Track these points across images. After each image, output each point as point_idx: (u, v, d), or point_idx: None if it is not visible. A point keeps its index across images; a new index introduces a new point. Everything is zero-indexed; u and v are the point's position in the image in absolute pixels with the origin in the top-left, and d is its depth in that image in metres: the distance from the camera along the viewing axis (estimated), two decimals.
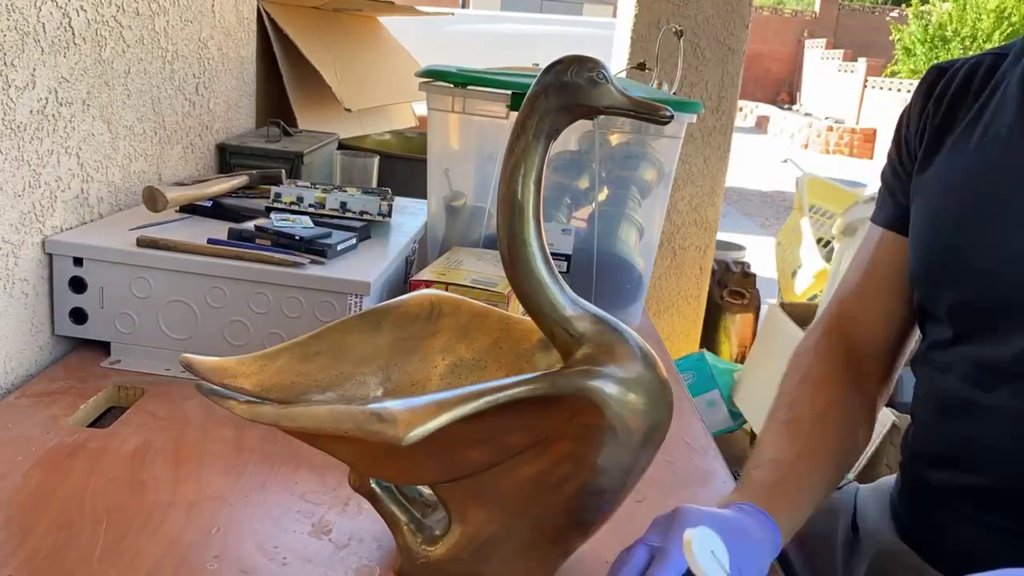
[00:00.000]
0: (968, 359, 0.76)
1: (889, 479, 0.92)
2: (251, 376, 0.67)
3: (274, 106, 1.80)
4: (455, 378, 0.71)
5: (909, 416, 0.87)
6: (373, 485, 0.68)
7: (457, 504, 0.65)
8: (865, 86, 14.89)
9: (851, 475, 1.97)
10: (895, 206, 0.88)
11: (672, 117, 0.60)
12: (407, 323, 0.72)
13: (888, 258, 0.87)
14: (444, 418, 0.55)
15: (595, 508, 0.65)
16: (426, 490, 0.71)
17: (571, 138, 1.26)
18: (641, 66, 1.51)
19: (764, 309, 2.89)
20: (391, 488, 0.69)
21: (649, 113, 0.60)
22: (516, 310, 1.07)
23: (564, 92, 0.60)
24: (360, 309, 0.98)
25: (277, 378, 0.68)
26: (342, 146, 1.75)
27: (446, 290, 1.04)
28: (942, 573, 0.79)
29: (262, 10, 1.75)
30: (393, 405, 0.56)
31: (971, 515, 0.76)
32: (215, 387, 0.65)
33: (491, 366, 0.71)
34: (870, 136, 13.25)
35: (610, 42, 2.62)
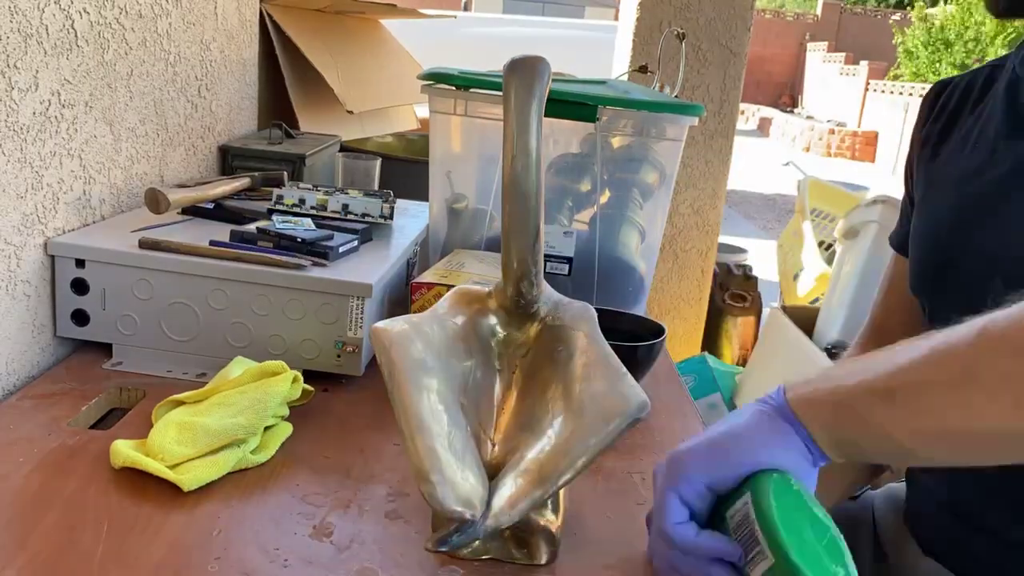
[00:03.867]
0: None
1: (898, 487, 0.92)
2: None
3: (276, 108, 1.80)
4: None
5: None
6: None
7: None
8: (867, 89, 14.88)
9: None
10: (901, 228, 0.92)
11: None
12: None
13: (899, 278, 0.92)
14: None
15: None
16: None
17: (573, 141, 1.26)
18: (643, 69, 1.52)
19: (766, 312, 2.89)
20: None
21: None
22: None
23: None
24: (362, 312, 0.98)
25: None
26: (344, 148, 1.75)
27: (447, 292, 1.03)
28: None
29: (264, 12, 1.75)
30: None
31: (981, 526, 0.76)
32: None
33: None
34: (872, 139, 13.26)
35: (612, 45, 2.62)
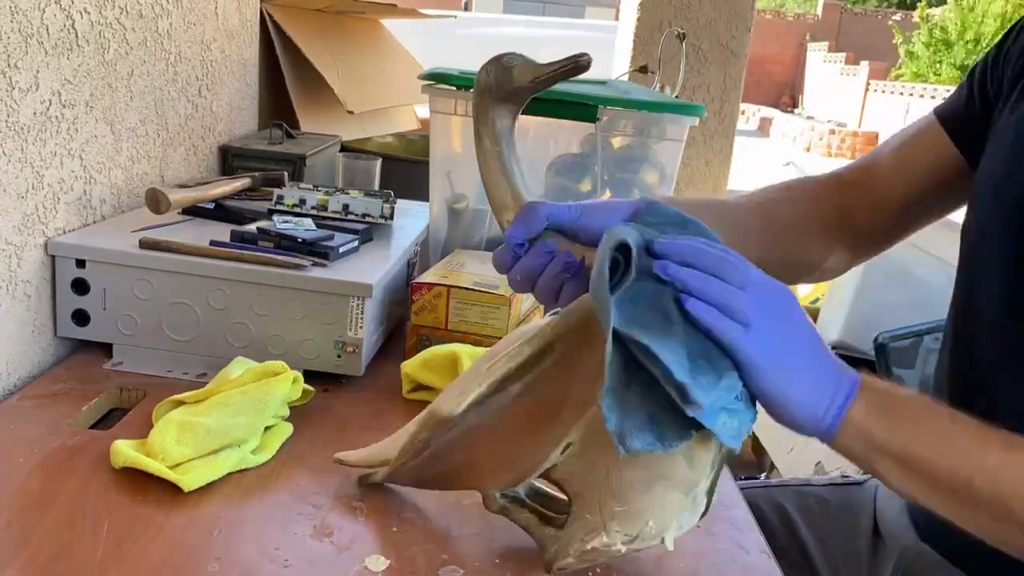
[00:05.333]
0: (1001, 340, 0.74)
1: None
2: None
3: (277, 108, 1.80)
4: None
5: None
6: (501, 501, 0.70)
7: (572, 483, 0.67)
8: (867, 90, 14.89)
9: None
10: (959, 107, 0.85)
11: (589, 61, 0.68)
12: None
13: (926, 145, 0.87)
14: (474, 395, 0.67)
15: None
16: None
17: (573, 141, 1.26)
18: (643, 69, 1.52)
19: None
20: (518, 498, 0.71)
21: (568, 65, 0.68)
22: (517, 314, 1.07)
23: (492, 90, 0.69)
24: (362, 312, 0.98)
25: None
26: (344, 148, 1.75)
27: (447, 292, 1.04)
28: (967, 574, 0.78)
29: (265, 13, 1.75)
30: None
31: None
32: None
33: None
34: (872, 140, 13.25)
35: (612, 45, 2.62)
